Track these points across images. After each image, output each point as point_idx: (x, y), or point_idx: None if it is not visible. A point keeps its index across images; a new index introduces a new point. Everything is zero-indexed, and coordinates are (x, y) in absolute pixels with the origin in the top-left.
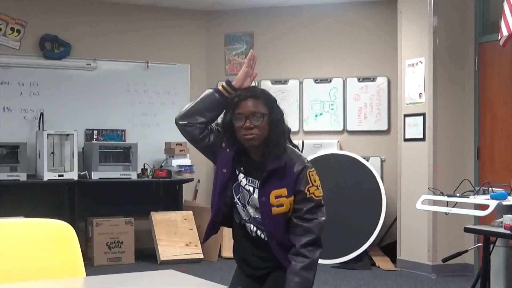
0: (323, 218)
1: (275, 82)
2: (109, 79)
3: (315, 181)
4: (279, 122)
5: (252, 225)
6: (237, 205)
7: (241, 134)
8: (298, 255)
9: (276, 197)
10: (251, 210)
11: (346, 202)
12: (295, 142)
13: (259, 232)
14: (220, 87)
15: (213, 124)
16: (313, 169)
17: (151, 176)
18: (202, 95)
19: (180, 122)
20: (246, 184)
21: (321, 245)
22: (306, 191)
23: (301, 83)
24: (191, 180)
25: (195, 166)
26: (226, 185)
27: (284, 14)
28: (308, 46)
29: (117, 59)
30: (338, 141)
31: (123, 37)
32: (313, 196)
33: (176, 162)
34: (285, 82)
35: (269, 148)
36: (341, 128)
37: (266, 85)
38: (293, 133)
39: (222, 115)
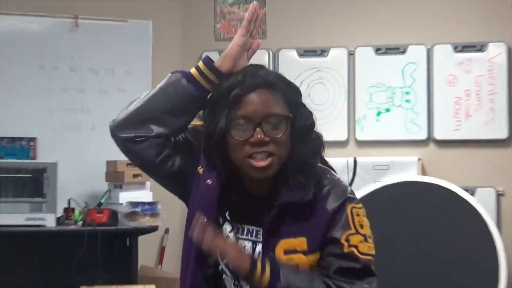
0: None
1: (305, 53)
2: (6, 48)
3: (361, 226)
4: (309, 131)
5: None
6: (224, 275)
7: (244, 155)
8: None
9: (286, 252)
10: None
11: (435, 263)
12: (341, 160)
13: None
14: (193, 71)
15: (181, 135)
16: (359, 205)
17: (81, 223)
18: (161, 85)
19: (121, 135)
20: (237, 240)
21: None
22: (343, 241)
23: (351, 54)
24: (153, 229)
25: (161, 204)
26: None
27: None
28: None
29: (21, 12)
30: (418, 160)
31: None
32: (356, 252)
33: (126, 196)
34: (322, 53)
35: (290, 176)
36: (424, 136)
37: (289, 58)
38: (337, 144)
39: (202, 116)
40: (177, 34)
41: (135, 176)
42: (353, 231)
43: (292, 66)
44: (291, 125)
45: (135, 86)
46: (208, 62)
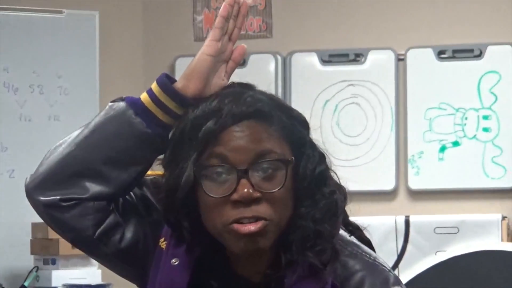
0: None
1: (331, 58)
2: None
3: None
4: (319, 181)
5: None
6: None
7: (225, 221)
8: None
9: None
10: None
11: None
12: (387, 219)
13: None
14: (144, 97)
15: (135, 191)
16: None
17: None
18: (97, 120)
19: (41, 198)
20: None
21: None
22: None
23: (401, 60)
24: None
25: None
26: None
27: None
28: None
29: None
30: (503, 218)
31: None
32: None
33: (63, 276)
34: (357, 57)
35: (296, 253)
36: (510, 183)
37: (307, 65)
38: (384, 195)
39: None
40: (137, 30)
41: (73, 247)
42: None
43: (311, 78)
44: (294, 173)
45: (74, 110)
46: (166, 83)
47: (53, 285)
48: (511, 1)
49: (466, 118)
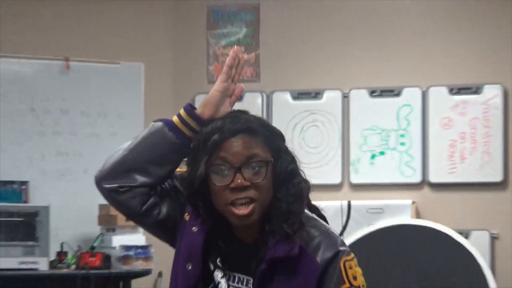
0: None
1: (300, 95)
2: None
3: (354, 278)
4: (291, 176)
5: None
6: None
7: (225, 201)
8: None
9: None
10: None
11: None
12: (335, 203)
13: None
14: (175, 119)
15: (169, 182)
16: (351, 256)
17: (74, 266)
18: (143, 134)
19: (106, 186)
20: (228, 287)
21: None
22: None
23: (346, 97)
24: (146, 272)
25: (154, 248)
26: None
27: None
28: (358, 34)
29: (13, 54)
30: (413, 203)
31: (23, 19)
32: None
33: (119, 240)
34: (317, 95)
35: (275, 223)
36: (418, 180)
37: (283, 100)
38: (331, 187)
39: (185, 163)
40: (169, 76)
41: (127, 220)
42: (347, 285)
43: (285, 109)
44: (273, 170)
45: (127, 129)
46: (189, 109)
47: (113, 245)
48: (421, 51)
49: (389, 136)
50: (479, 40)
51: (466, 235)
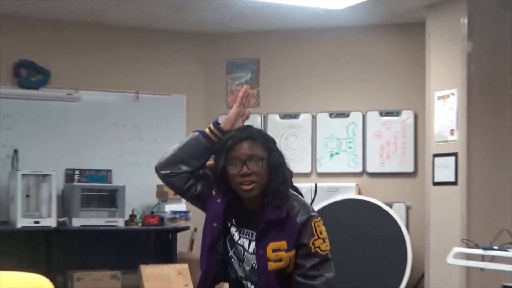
0: (331, 275)
1: (285, 116)
2: (93, 112)
3: (321, 232)
4: (279, 166)
5: (249, 283)
6: (232, 259)
7: (237, 183)
8: None
9: (273, 251)
10: (247, 268)
11: (365, 255)
12: (307, 185)
13: None
14: (206, 130)
15: (202, 170)
16: (319, 219)
17: (140, 224)
18: (186, 139)
19: (162, 172)
20: (240, 238)
21: None
22: (310, 244)
23: (314, 117)
24: (186, 228)
25: (191, 213)
26: (217, 241)
27: (295, 38)
28: (323, 75)
29: (102, 89)
30: (356, 185)
31: (110, 63)
32: (319, 250)
33: (169, 207)
34: (295, 116)
35: (269, 197)
36: (360, 170)
37: (274, 119)
38: (305, 175)
39: (212, 158)
40: (202, 103)
41: (175, 194)
42: (316, 237)
43: (276, 125)
44: (268, 162)
45: (172, 137)
46: (216, 124)
47: (165, 211)
48: (362, 87)
49: (341, 142)
50: (398, 80)
51: (390, 205)
